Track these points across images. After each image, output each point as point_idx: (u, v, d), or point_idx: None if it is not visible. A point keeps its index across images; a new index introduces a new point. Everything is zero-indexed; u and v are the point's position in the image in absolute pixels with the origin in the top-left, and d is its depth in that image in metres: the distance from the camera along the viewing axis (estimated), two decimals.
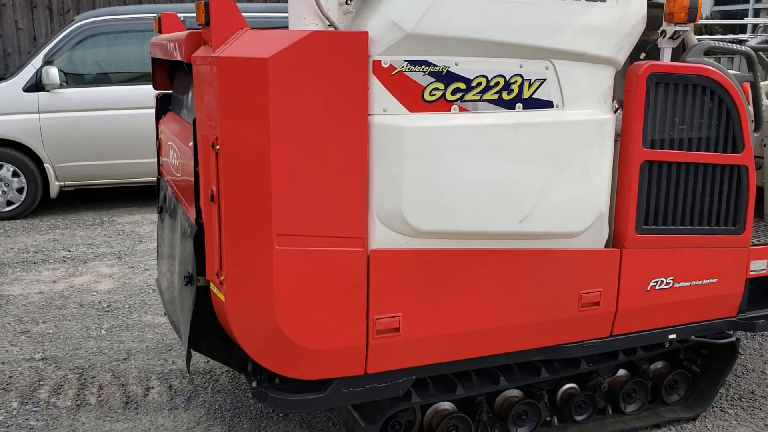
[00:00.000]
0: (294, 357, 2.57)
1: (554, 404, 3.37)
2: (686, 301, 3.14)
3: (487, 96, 2.59)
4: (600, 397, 3.43)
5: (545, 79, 2.66)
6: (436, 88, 2.52)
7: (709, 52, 3.07)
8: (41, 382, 3.91)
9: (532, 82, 2.64)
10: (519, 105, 2.64)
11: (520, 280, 2.79)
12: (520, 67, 2.61)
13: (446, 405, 3.16)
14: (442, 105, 2.54)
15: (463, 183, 2.59)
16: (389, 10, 2.42)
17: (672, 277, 3.07)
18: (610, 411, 3.44)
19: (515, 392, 3.26)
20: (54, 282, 5.57)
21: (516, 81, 2.62)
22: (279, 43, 2.32)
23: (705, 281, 3.15)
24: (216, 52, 2.35)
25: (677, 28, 2.87)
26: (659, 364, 3.55)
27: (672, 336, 3.19)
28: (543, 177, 2.71)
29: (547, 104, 2.68)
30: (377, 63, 2.44)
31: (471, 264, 2.69)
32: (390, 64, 2.45)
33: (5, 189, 7.42)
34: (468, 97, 2.57)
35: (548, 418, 3.33)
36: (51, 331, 4.62)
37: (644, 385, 3.45)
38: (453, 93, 2.55)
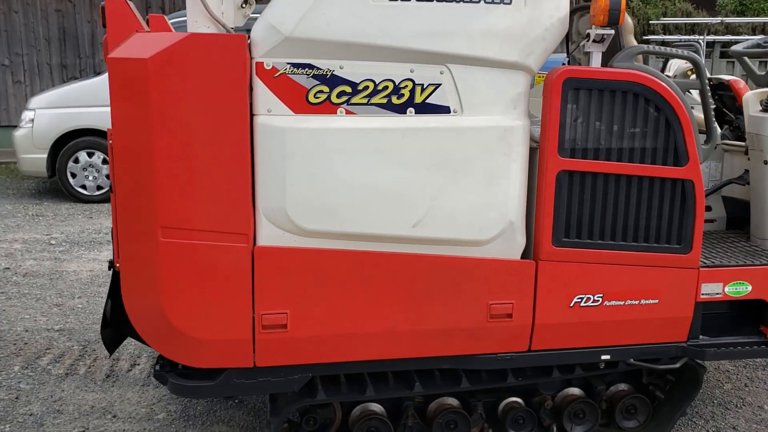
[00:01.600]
0: (182, 345, 2.70)
1: (495, 417, 3.28)
2: (621, 321, 2.96)
3: (375, 100, 2.59)
4: (545, 415, 3.30)
5: (440, 84, 2.61)
6: (321, 91, 2.55)
7: (679, 60, 2.88)
8: (48, 351, 4.30)
9: (425, 87, 2.61)
10: (411, 110, 2.61)
11: (421, 286, 2.76)
12: (411, 71, 2.59)
13: (375, 407, 3.18)
14: (327, 107, 2.57)
15: (348, 185, 2.61)
16: (270, 14, 2.49)
17: (601, 295, 2.91)
18: (554, 430, 3.30)
19: (451, 401, 3.21)
20: (106, 262, 6.06)
21: (407, 85, 2.59)
22: (160, 45, 2.45)
23: (643, 302, 2.95)
24: (110, 53, 2.52)
25: (599, 31, 2.71)
26: (621, 386, 3.36)
27: (605, 357, 3.02)
28: (436, 183, 2.66)
29: (443, 109, 2.63)
30: (260, 65, 2.51)
31: (364, 266, 2.70)
32: (273, 66, 2.52)
33: (96, 175, 8.13)
34: (355, 100, 2.58)
35: (479, 430, 3.25)
36: (80, 306, 5.05)
37: (594, 407, 3.28)
38: (338, 96, 2.57)
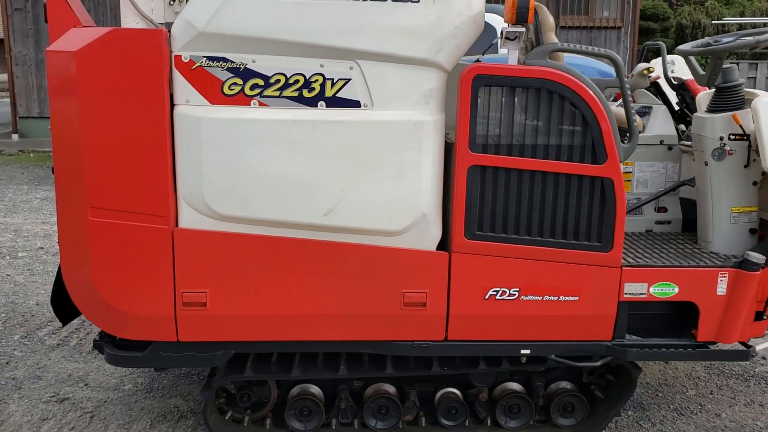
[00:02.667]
0: (111, 317, 2.92)
1: (432, 405, 3.36)
2: (540, 316, 2.99)
3: (287, 93, 2.73)
4: (480, 407, 3.36)
5: (350, 79, 2.72)
6: (235, 83, 2.71)
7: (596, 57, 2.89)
8: (49, 323, 4.64)
9: (335, 81, 2.72)
10: (321, 103, 2.74)
11: (335, 271, 2.87)
12: (321, 66, 2.71)
13: (314, 389, 3.31)
14: (241, 99, 2.73)
15: (259, 173, 2.76)
16: (187, 10, 2.67)
17: (517, 289, 2.95)
18: (488, 423, 3.34)
19: (388, 387, 3.31)
20: None
21: (317, 80, 2.72)
22: (87, 39, 2.67)
23: (562, 298, 2.97)
24: (48, 47, 2.76)
25: (510, 29, 2.75)
26: (561, 384, 3.38)
27: (525, 351, 3.05)
28: (346, 174, 2.77)
29: (354, 103, 2.75)
30: (178, 58, 2.70)
31: (279, 251, 2.84)
32: (190, 59, 2.70)
33: None
34: (267, 93, 2.72)
35: (412, 418, 3.34)
36: None
37: (528, 402, 3.31)
38: (251, 88, 2.72)
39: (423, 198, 2.83)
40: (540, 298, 2.97)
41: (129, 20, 2.81)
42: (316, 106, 2.74)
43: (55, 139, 2.78)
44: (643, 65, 3.58)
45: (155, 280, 2.85)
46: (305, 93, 2.73)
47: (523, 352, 3.05)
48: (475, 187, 2.84)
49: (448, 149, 2.89)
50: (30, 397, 3.68)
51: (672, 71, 3.75)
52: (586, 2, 13.19)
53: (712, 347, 3.12)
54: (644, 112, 3.70)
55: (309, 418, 3.24)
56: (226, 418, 3.25)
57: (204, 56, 2.69)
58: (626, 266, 2.99)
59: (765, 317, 3.08)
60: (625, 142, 2.90)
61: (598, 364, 3.09)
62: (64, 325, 3.27)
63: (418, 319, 2.96)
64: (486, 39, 4.31)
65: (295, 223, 2.82)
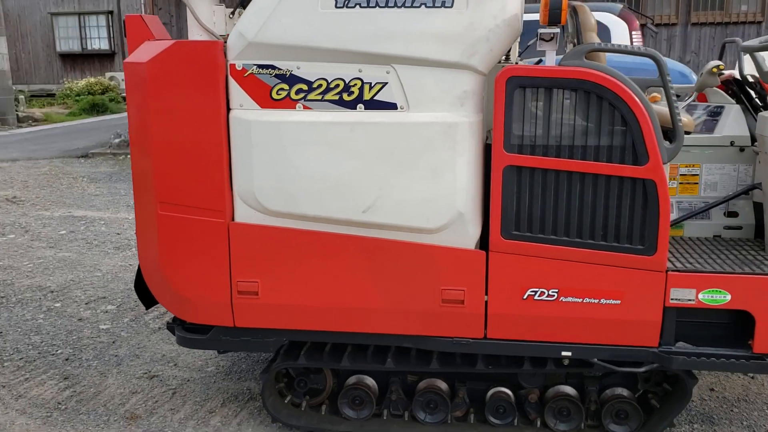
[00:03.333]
0: (178, 302, 3.23)
1: (483, 403, 3.41)
2: (580, 318, 2.96)
3: (329, 96, 2.90)
4: (530, 408, 3.37)
5: (387, 83, 2.85)
6: (282, 89, 2.92)
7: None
8: (156, 309, 5.10)
9: (372, 85, 2.86)
10: (360, 105, 2.89)
11: (375, 266, 3.01)
12: (360, 71, 2.86)
13: (369, 380, 3.47)
14: (287, 103, 2.93)
15: (303, 172, 2.95)
16: (240, 23, 2.91)
17: (556, 290, 2.94)
18: (538, 424, 3.35)
19: (440, 383, 3.41)
20: None
21: (356, 84, 2.87)
22: (155, 51, 2.98)
23: (603, 301, 2.93)
24: (125, 59, 3.11)
25: (544, 30, 2.77)
26: (617, 390, 3.32)
27: (567, 353, 3.03)
28: (383, 173, 2.90)
29: (391, 106, 2.87)
30: (233, 66, 2.94)
31: (322, 245, 3.02)
32: (243, 67, 2.94)
33: None
34: (310, 96, 2.91)
35: (462, 414, 3.40)
36: None
37: (578, 406, 3.28)
38: (297, 93, 2.92)
39: (459, 197, 2.91)
40: (580, 300, 2.95)
41: (194, 33, 3.10)
42: (356, 109, 2.89)
43: (132, 140, 3.12)
44: (713, 63, 3.43)
45: (214, 269, 3.11)
46: (345, 96, 2.89)
47: (564, 353, 3.04)
48: (510, 187, 2.88)
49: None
50: (126, 372, 4.10)
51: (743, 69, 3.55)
52: None
53: None
54: (716, 111, 3.54)
55: (361, 407, 3.39)
56: (285, 401, 3.47)
57: (254, 64, 2.92)
58: (672, 271, 2.90)
59: None
60: (671, 143, 2.82)
61: (642, 369, 3.01)
62: (147, 309, 3.62)
63: (457, 317, 3.03)
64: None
65: (337, 219, 2.99)
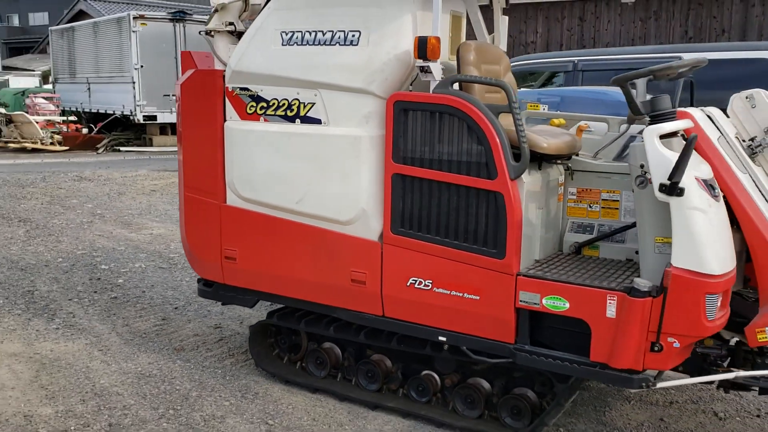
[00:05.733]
0: (194, 261, 4.37)
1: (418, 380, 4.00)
2: (449, 308, 3.46)
3: (278, 112, 3.82)
4: (447, 391, 3.88)
5: (315, 103, 3.69)
6: (252, 105, 3.92)
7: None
8: None
9: (305, 104, 3.72)
10: (298, 120, 3.76)
11: (307, 247, 3.84)
12: (298, 93, 3.74)
13: (331, 345, 4.25)
14: (255, 116, 3.92)
15: (259, 168, 3.90)
16: (231, 56, 3.98)
17: (430, 281, 3.49)
18: (450, 407, 3.83)
19: (381, 357, 4.07)
20: None
21: (295, 103, 3.75)
22: (186, 77, 4.18)
23: (466, 295, 3.40)
24: (176, 82, 4.36)
25: (419, 63, 3.37)
26: (523, 390, 3.69)
27: (442, 338, 3.53)
28: (309, 173, 3.73)
29: (317, 121, 3.70)
30: (227, 88, 4.02)
31: (273, 226, 3.94)
32: (231, 89, 3.99)
33: None
34: (268, 112, 3.86)
35: (395, 388, 4.01)
36: None
37: (479, 396, 3.72)
38: (260, 109, 3.89)
39: (362, 196, 3.62)
40: (448, 292, 3.45)
41: (218, 63, 4.23)
42: (294, 122, 3.78)
43: (177, 140, 4.35)
44: None
45: (212, 238, 4.19)
46: (288, 113, 3.79)
47: (440, 338, 3.55)
48: (397, 191, 3.51)
49: None
50: (204, 322, 5.36)
51: None
52: None
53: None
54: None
55: (323, 367, 4.19)
56: (273, 354, 4.41)
57: (237, 87, 3.96)
58: (521, 275, 3.27)
59: (656, 349, 3.00)
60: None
61: (492, 361, 3.41)
62: None
63: (361, 294, 3.72)
64: None
65: (281, 207, 3.88)
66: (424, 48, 3.32)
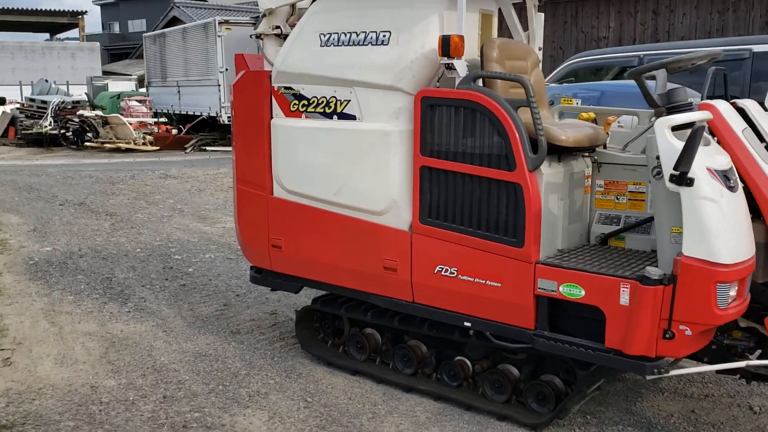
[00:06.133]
0: (246, 249, 4.68)
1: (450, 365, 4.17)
2: (473, 295, 3.61)
3: (318, 110, 4.07)
4: (478, 377, 4.03)
5: (350, 100, 3.91)
6: (295, 103, 4.18)
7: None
8: None
9: (342, 101, 3.95)
10: (335, 116, 4.00)
11: (345, 236, 4.07)
12: (335, 91, 3.97)
13: (372, 331, 4.48)
14: (298, 113, 4.18)
15: (301, 162, 4.16)
16: (277, 57, 4.26)
17: (456, 269, 3.65)
18: (480, 391, 3.99)
19: (417, 343, 4.26)
20: None
21: (333, 101, 3.99)
22: (238, 78, 4.49)
23: (488, 282, 3.55)
24: (230, 83, 4.69)
25: (442, 61, 3.54)
26: (550, 376, 3.81)
27: (467, 324, 3.68)
28: (345, 166, 3.96)
29: (352, 117, 3.92)
30: (273, 88, 4.30)
31: (314, 217, 4.19)
32: (277, 88, 4.27)
33: None
34: (309, 109, 4.12)
35: (429, 372, 4.20)
36: None
37: (507, 381, 3.85)
38: (302, 106, 4.15)
39: (393, 188, 3.82)
40: (472, 279, 3.61)
41: (267, 65, 4.52)
42: (332, 118, 4.01)
43: (233, 138, 4.68)
44: None
45: (261, 227, 4.49)
46: (326, 110, 4.03)
47: (466, 324, 3.71)
48: (425, 183, 3.70)
49: None
50: (262, 308, 5.69)
51: None
52: None
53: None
54: None
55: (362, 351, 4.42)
56: (318, 337, 4.67)
57: (281, 86, 4.23)
58: (539, 263, 3.39)
59: (668, 336, 3.06)
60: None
61: (512, 346, 3.53)
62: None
63: (393, 281, 3.92)
64: None
65: (321, 199, 4.13)
66: (447, 46, 3.48)
